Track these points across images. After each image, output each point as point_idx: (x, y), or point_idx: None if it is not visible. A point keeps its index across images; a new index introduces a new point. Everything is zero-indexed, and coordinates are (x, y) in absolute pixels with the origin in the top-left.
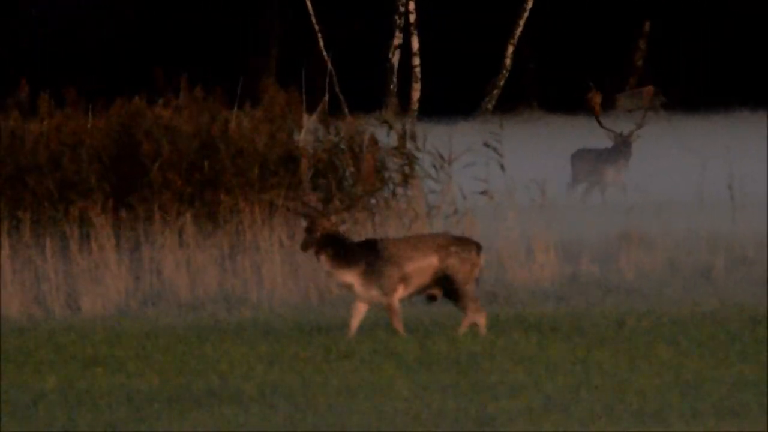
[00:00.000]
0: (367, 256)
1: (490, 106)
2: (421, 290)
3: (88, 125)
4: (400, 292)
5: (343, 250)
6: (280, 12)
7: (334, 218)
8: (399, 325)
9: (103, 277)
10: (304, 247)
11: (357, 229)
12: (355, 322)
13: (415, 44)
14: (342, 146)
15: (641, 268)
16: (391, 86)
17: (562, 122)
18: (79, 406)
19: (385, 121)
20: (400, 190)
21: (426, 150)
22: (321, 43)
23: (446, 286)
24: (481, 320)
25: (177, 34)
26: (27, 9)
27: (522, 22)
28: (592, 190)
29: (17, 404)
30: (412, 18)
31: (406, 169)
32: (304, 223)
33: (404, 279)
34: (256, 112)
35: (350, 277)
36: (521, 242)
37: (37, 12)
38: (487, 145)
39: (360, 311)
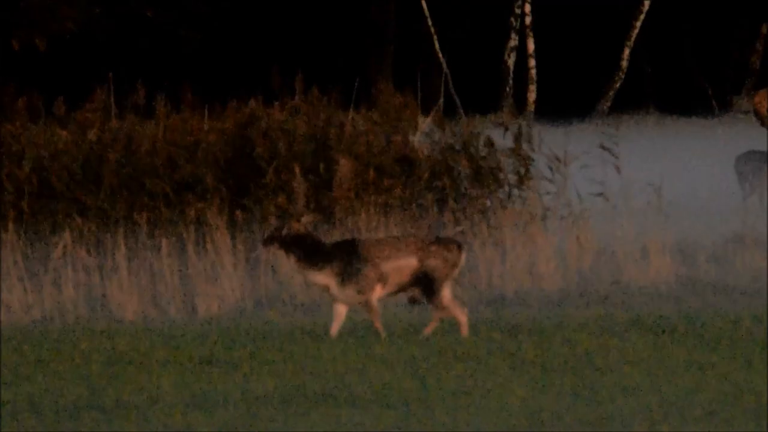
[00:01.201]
0: (343, 256)
1: (605, 108)
2: (400, 289)
3: (205, 127)
4: (378, 291)
5: (314, 251)
6: (396, 13)
7: (305, 219)
8: (379, 325)
9: (219, 278)
10: (264, 242)
11: (472, 231)
12: (335, 325)
13: (531, 46)
14: (457, 148)
15: (757, 270)
16: (507, 88)
17: (678, 124)
18: (194, 408)
19: (501, 123)
20: (515, 192)
21: (542, 152)
22: (437, 45)
23: (424, 285)
24: (462, 319)
25: (292, 36)
26: (142, 11)
27: (638, 24)
28: (753, 192)
29: (133, 405)
30: (527, 20)
31: (522, 170)
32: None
33: (382, 278)
34: (371, 113)
35: (324, 278)
36: (636, 244)
37: (154, 13)
38: (603, 147)
39: (340, 313)
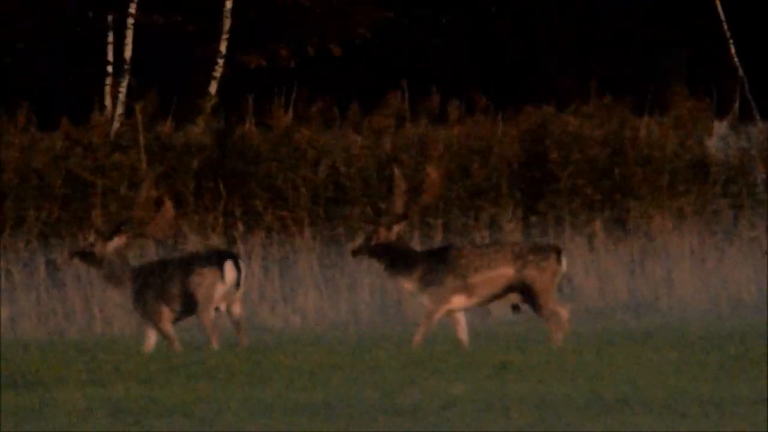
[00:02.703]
0: (430, 263)
1: None
2: (493, 299)
3: (498, 132)
4: (459, 302)
5: (400, 258)
6: (689, 17)
7: (396, 228)
8: (419, 336)
9: None
10: (353, 253)
11: None
12: (460, 333)
13: None
14: (753, 153)
15: None
16: None
17: None
18: (489, 412)
19: None
20: None
21: None
22: (732, 49)
23: (526, 295)
24: (562, 327)
25: (574, 41)
26: (437, 17)
27: None
28: None
29: (428, 409)
30: None
31: None
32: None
33: (466, 289)
34: (665, 119)
35: (407, 283)
36: None
37: (447, 19)
38: None
39: (458, 321)
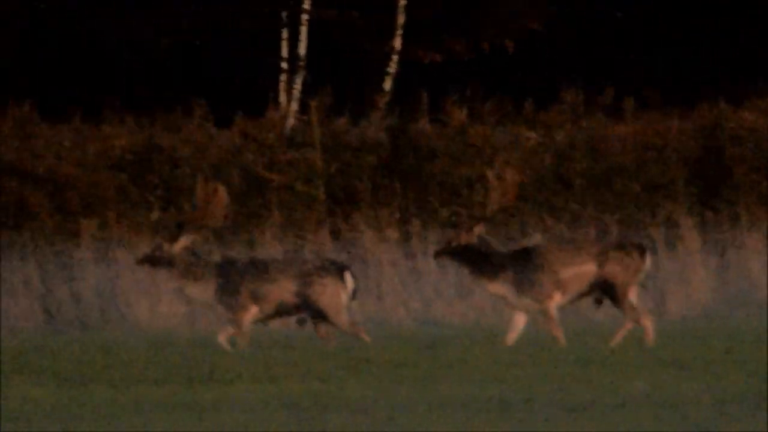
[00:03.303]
0: (518, 264)
1: None
2: (581, 296)
3: (673, 128)
4: (557, 298)
5: (486, 261)
6: None
7: (477, 229)
8: (557, 333)
9: (690, 279)
10: (435, 255)
11: None
12: (512, 334)
13: None
14: None
15: None
16: None
17: None
18: (665, 410)
19: None
20: None
21: None
22: None
23: (606, 291)
24: (647, 323)
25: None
26: (611, 12)
27: None
28: None
29: (602, 406)
30: None
31: None
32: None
33: (560, 286)
34: None
35: (498, 287)
36: None
37: (622, 14)
38: None
39: (519, 322)
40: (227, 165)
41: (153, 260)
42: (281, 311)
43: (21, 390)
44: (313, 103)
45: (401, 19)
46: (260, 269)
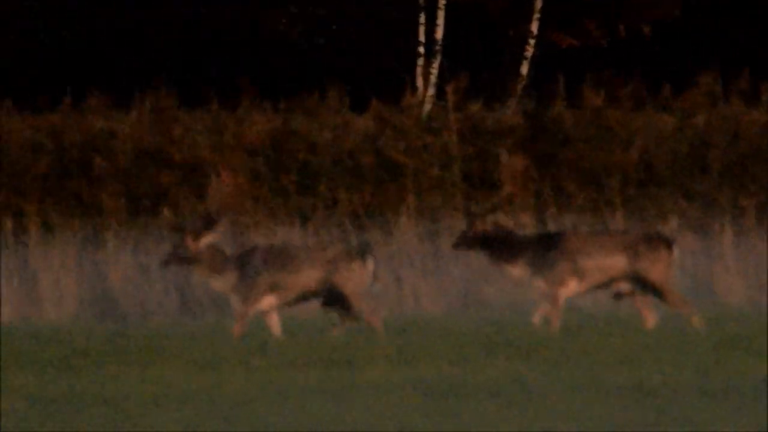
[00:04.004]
0: (539, 248)
1: None
2: (603, 286)
3: None
4: (572, 287)
5: (503, 246)
6: None
7: (491, 217)
8: (555, 320)
9: None
10: (454, 246)
11: None
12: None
13: None
14: None
15: None
16: None
17: None
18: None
19: None
20: None
21: None
22: None
23: (642, 286)
24: (689, 311)
25: None
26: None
27: None
28: None
29: (741, 392)
30: None
31: None
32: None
33: (578, 274)
34: None
35: (517, 270)
36: None
37: None
38: None
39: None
40: (363, 150)
41: (178, 259)
42: (305, 298)
43: (156, 375)
44: (450, 88)
45: (538, 3)
46: (282, 257)
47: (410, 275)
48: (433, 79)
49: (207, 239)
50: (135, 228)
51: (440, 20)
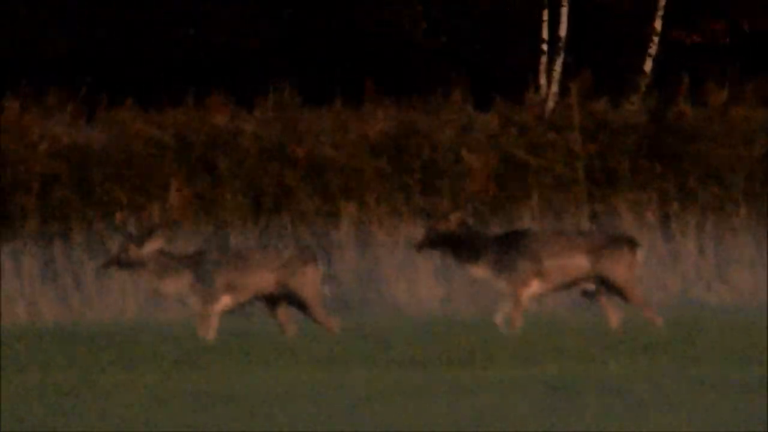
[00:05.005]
0: (502, 247)
1: None
2: (566, 287)
3: None
4: (534, 287)
5: (466, 245)
6: None
7: (453, 217)
8: (516, 321)
9: None
10: (417, 246)
11: None
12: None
13: None
14: None
15: None
16: None
17: None
18: None
19: None
20: None
21: None
22: None
23: (607, 288)
24: (650, 313)
25: None
26: None
27: None
28: None
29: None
30: None
31: None
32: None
33: (540, 274)
34: None
35: (479, 270)
36: None
37: None
38: None
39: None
40: (486, 148)
41: (120, 263)
42: (249, 299)
43: (271, 373)
44: (573, 85)
45: (662, 0)
46: (237, 260)
47: None
48: (556, 76)
49: (151, 245)
50: (257, 226)
51: (563, 17)
